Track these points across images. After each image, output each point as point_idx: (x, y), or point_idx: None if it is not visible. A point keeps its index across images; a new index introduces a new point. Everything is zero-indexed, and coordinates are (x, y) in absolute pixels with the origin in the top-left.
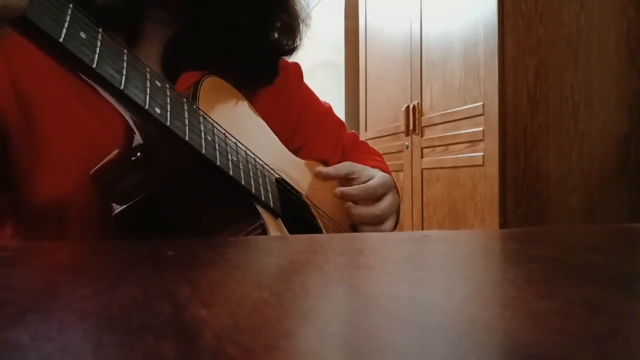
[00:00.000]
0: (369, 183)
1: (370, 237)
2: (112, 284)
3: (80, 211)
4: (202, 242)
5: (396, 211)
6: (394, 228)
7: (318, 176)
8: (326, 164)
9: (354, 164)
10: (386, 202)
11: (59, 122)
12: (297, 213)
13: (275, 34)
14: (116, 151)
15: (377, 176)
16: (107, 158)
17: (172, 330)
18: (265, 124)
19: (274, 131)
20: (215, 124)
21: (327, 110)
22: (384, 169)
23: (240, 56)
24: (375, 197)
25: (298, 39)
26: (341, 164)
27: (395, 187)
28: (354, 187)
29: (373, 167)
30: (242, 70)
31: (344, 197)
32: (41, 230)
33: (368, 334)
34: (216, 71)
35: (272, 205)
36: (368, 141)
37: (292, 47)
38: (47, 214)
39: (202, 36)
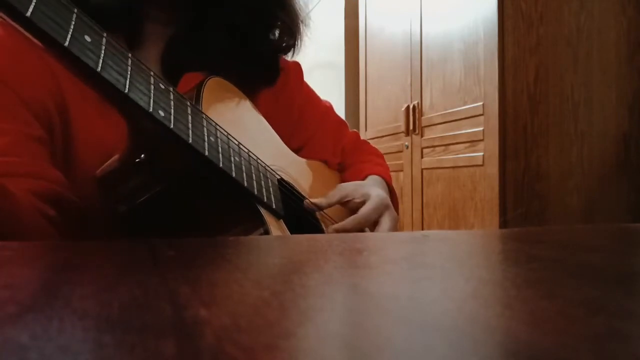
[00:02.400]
0: (360, 212)
1: (370, 237)
2: (112, 284)
3: (86, 212)
4: (202, 242)
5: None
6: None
7: (310, 208)
8: (327, 164)
9: (346, 185)
10: (385, 227)
11: (76, 123)
12: (299, 214)
13: (276, 34)
14: (120, 153)
15: (371, 198)
16: (111, 160)
17: (172, 330)
18: (268, 124)
19: (275, 131)
20: (218, 126)
21: (328, 109)
22: (383, 173)
23: (240, 57)
24: (367, 225)
25: (298, 39)
26: (334, 190)
27: (394, 194)
28: (345, 222)
29: (371, 173)
30: (243, 71)
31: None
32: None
33: (368, 334)
34: (217, 72)
35: (274, 206)
36: (368, 141)
37: (291, 46)
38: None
39: (202, 37)
